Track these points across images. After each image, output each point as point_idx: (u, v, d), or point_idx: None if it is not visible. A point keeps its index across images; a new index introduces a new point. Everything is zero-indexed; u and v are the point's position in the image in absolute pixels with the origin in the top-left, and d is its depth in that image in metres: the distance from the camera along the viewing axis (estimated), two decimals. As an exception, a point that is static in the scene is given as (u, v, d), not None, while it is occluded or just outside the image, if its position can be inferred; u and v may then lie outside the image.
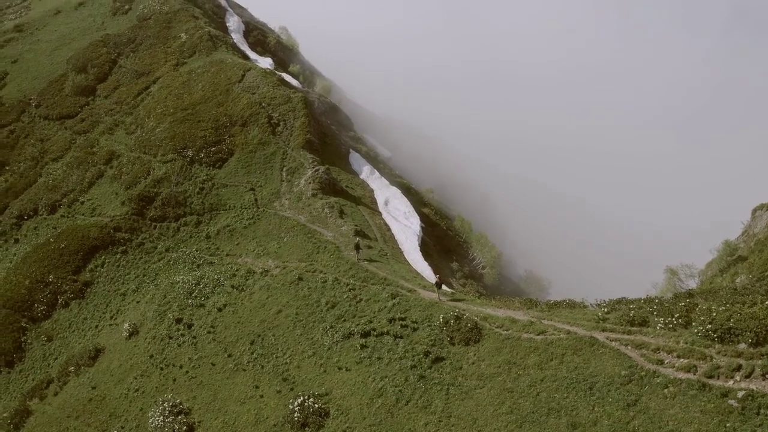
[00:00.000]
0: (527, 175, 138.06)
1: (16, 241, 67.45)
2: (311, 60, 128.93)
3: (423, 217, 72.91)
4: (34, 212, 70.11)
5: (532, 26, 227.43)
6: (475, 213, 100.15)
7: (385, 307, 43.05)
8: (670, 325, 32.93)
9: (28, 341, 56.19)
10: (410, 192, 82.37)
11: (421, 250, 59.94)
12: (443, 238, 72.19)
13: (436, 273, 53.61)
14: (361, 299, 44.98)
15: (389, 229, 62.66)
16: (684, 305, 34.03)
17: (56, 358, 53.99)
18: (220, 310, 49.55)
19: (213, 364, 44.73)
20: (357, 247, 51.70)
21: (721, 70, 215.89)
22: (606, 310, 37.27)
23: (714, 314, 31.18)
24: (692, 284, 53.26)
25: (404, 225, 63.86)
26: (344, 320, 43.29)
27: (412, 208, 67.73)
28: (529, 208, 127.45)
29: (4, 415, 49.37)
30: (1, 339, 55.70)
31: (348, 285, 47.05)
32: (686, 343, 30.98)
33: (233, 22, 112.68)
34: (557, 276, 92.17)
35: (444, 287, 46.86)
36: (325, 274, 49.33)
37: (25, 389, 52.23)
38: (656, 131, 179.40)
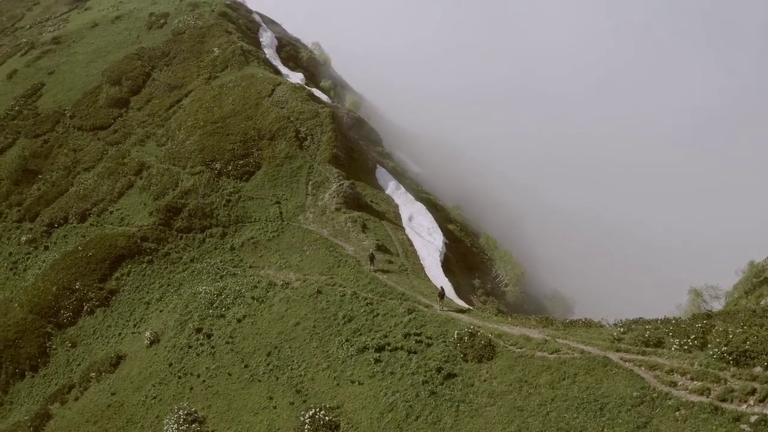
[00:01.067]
0: (558, 190, 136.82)
1: (46, 248, 68.88)
2: (343, 75, 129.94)
3: (447, 234, 72.89)
4: (64, 220, 71.53)
5: (561, 40, 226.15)
6: (504, 230, 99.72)
7: (401, 322, 43.05)
8: (686, 347, 32.43)
9: (53, 347, 57.24)
10: (436, 208, 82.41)
11: (442, 266, 59.87)
12: (467, 255, 72.06)
13: (455, 287, 53.73)
14: (378, 314, 45.05)
15: (412, 245, 62.72)
16: (700, 326, 33.54)
17: (79, 364, 54.92)
18: (239, 321, 50.00)
19: (229, 374, 45.11)
20: (371, 259, 52.43)
21: (745, 79, 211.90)
22: (622, 330, 36.85)
23: (730, 336, 30.67)
24: (717, 306, 52.35)
25: (427, 241, 63.87)
26: (360, 334, 43.38)
27: (436, 224, 67.76)
28: (560, 224, 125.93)
29: (25, 418, 50.28)
30: (27, 344, 56.82)
31: (366, 299, 47.18)
32: (700, 365, 30.49)
33: (266, 38, 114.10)
34: (584, 294, 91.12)
35: (447, 298, 47.40)
36: (344, 287, 49.54)
37: (47, 393, 53.19)
38: (694, 142, 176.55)
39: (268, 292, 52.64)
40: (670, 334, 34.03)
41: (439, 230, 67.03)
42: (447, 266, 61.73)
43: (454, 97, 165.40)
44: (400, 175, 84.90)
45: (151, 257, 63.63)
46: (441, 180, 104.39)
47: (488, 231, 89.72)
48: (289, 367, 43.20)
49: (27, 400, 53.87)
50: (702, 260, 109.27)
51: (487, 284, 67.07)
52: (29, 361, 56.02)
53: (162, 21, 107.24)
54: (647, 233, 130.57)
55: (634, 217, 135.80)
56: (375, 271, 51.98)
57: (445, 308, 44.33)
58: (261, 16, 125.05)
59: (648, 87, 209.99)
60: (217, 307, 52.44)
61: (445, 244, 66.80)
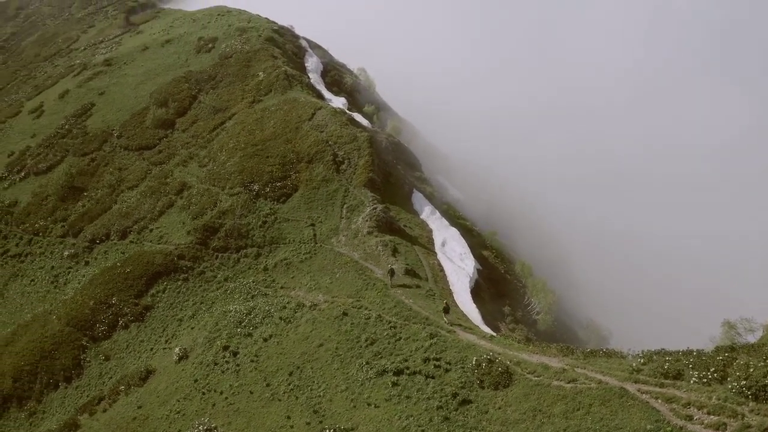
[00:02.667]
0: (600, 210, 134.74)
1: (87, 263, 70.79)
2: (388, 99, 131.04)
3: (482, 260, 72.72)
4: (106, 237, 73.47)
5: (599, 52, 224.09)
6: (542, 255, 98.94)
7: (422, 346, 43.15)
8: (705, 380, 31.88)
9: (87, 359, 58.64)
10: (472, 234, 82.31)
11: (472, 292, 59.74)
12: (500, 282, 71.72)
13: (482, 313, 53.65)
14: (400, 337, 45.20)
15: (442, 270, 62.71)
16: (721, 359, 32.96)
17: (111, 377, 56.14)
18: (265, 340, 50.64)
19: (251, 392, 45.62)
20: (391, 273, 53.53)
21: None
22: (642, 360, 36.39)
23: (751, 370, 30.10)
24: (751, 339, 51.17)
25: (458, 266, 63.78)
26: (381, 357, 43.57)
27: (468, 250, 67.60)
28: (602, 246, 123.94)
29: (54, 427, 51.56)
30: (62, 355, 58.33)
31: (390, 323, 47.38)
32: (718, 399, 29.96)
33: (312, 63, 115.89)
34: (623, 322, 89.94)
35: (451, 314, 48.83)
36: (369, 310, 49.82)
37: (78, 404, 54.46)
38: (744, 154, 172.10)
39: (295, 312, 53.22)
40: (691, 366, 33.47)
41: (471, 256, 66.85)
42: (477, 292, 61.53)
43: (495, 118, 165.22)
44: (437, 200, 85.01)
45: (186, 275, 64.85)
46: (480, 204, 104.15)
47: (526, 257, 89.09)
48: (309, 388, 43.54)
49: (59, 410, 55.19)
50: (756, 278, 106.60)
51: (517, 312, 66.60)
52: (64, 372, 57.45)
53: (210, 45, 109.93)
54: (696, 252, 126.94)
55: (679, 233, 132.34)
56: (393, 286, 53.16)
57: (450, 323, 45.70)
58: (308, 41, 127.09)
59: (689, 97, 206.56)
60: (245, 325, 53.22)
61: (478, 270, 66.61)
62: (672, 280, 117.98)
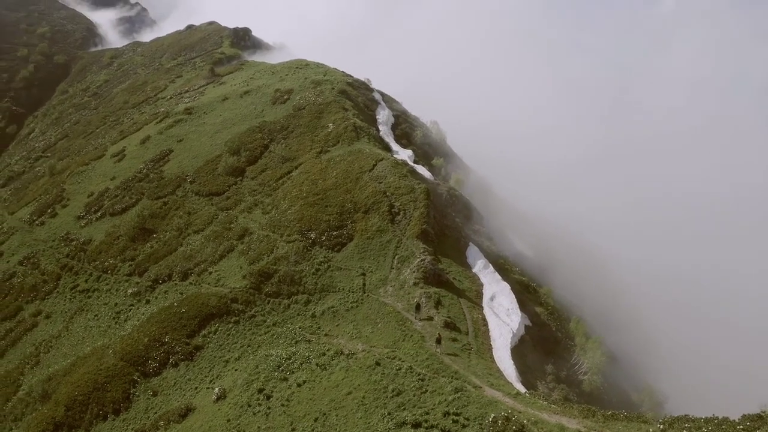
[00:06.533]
0: (669, 260, 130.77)
1: (147, 302, 73.99)
2: (461, 153, 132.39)
3: (533, 317, 72.11)
4: (168, 277, 76.64)
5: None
6: (609, 313, 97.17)
7: (446, 400, 43.31)
8: (718, 450, 31.21)
9: (137, 393, 60.98)
10: (528, 290, 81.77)
11: (514, 349, 59.34)
12: (548, 339, 70.77)
13: (520, 371, 53.30)
14: (426, 390, 45.48)
15: (485, 324, 62.54)
16: (742, 428, 32.15)
17: (156, 413, 58.18)
18: (299, 385, 51.69)
19: (277, 436, 46.75)
20: (417, 308, 56.66)
21: None
22: (662, 426, 35.71)
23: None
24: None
25: (502, 322, 63.51)
26: (404, 409, 43.91)
27: (516, 306, 67.21)
28: (675, 303, 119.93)
29: (92, 457, 53.90)
30: (113, 388, 60.91)
31: (419, 375, 47.75)
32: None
33: (383, 115, 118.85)
34: (683, 387, 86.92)
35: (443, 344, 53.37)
36: (402, 361, 50.32)
37: (121, 437, 56.78)
38: None
39: (332, 360, 54.16)
40: (709, 434, 32.79)
41: (518, 312, 66.42)
42: (520, 349, 61.06)
43: (565, 168, 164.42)
44: (493, 253, 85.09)
45: (238, 318, 66.90)
46: (545, 259, 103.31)
47: (589, 314, 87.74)
48: (330, 434, 44.34)
49: (103, 442, 57.63)
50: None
51: (562, 371, 65.54)
52: (113, 404, 59.89)
53: (285, 97, 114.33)
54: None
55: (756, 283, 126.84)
56: (421, 319, 57.20)
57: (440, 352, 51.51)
58: (382, 94, 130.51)
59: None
60: (283, 370, 54.47)
61: (526, 326, 66.19)
62: (752, 340, 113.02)
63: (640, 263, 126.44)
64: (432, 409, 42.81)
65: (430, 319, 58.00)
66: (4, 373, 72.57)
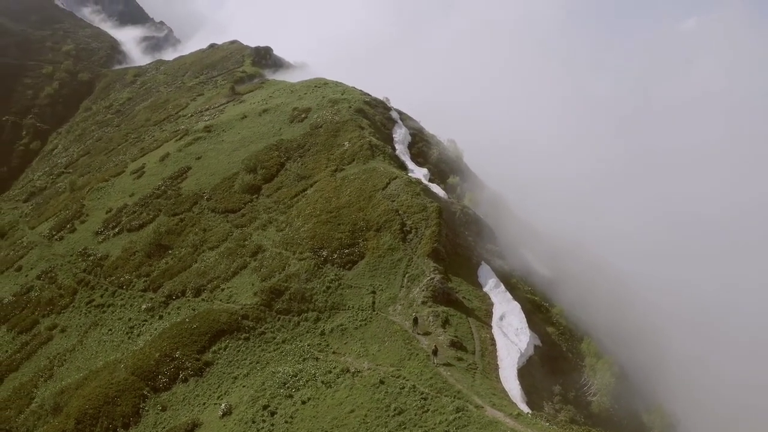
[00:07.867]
0: (688, 279, 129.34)
1: (160, 317, 74.81)
2: (477, 171, 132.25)
3: (544, 337, 71.82)
4: (182, 293, 77.44)
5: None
6: (619, 330, 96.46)
7: (446, 420, 43.41)
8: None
9: (146, 408, 61.60)
10: (540, 309, 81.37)
11: (521, 369, 59.20)
12: (558, 360, 70.39)
13: (526, 391, 53.26)
14: (428, 409, 45.61)
15: (493, 344, 62.48)
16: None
17: (164, 428, 58.79)
18: (304, 402, 52.07)
19: (278, 452, 47.12)
20: (415, 321, 58.24)
21: None
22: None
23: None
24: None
25: (511, 341, 63.42)
26: (404, 428, 44.08)
27: (525, 325, 67.05)
28: (694, 324, 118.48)
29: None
30: (123, 402, 61.61)
31: (422, 394, 47.90)
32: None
33: (399, 134, 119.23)
34: (695, 402, 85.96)
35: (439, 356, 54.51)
36: (406, 380, 50.54)
37: (129, 451, 57.42)
38: None
39: (338, 378, 54.53)
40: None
41: (528, 332, 66.25)
42: (528, 370, 60.85)
43: (583, 184, 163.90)
44: (505, 273, 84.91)
45: (248, 335, 67.40)
46: (556, 275, 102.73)
47: (596, 330, 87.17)
48: (331, 452, 44.61)
49: (111, 456, 58.26)
50: None
51: (570, 392, 65.20)
52: (123, 418, 60.54)
53: (303, 115, 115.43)
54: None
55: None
56: (417, 333, 58.25)
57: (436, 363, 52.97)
58: (399, 112, 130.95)
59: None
60: (288, 387, 54.89)
61: (535, 346, 66.05)
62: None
63: (654, 278, 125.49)
64: (432, 428, 42.98)
65: (428, 333, 58.96)
66: (19, 385, 73.67)
